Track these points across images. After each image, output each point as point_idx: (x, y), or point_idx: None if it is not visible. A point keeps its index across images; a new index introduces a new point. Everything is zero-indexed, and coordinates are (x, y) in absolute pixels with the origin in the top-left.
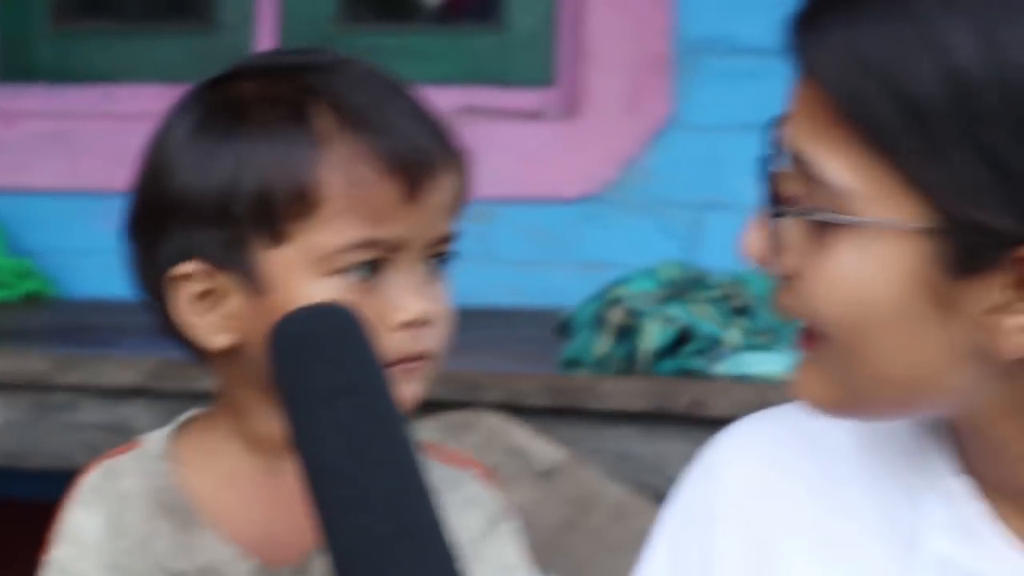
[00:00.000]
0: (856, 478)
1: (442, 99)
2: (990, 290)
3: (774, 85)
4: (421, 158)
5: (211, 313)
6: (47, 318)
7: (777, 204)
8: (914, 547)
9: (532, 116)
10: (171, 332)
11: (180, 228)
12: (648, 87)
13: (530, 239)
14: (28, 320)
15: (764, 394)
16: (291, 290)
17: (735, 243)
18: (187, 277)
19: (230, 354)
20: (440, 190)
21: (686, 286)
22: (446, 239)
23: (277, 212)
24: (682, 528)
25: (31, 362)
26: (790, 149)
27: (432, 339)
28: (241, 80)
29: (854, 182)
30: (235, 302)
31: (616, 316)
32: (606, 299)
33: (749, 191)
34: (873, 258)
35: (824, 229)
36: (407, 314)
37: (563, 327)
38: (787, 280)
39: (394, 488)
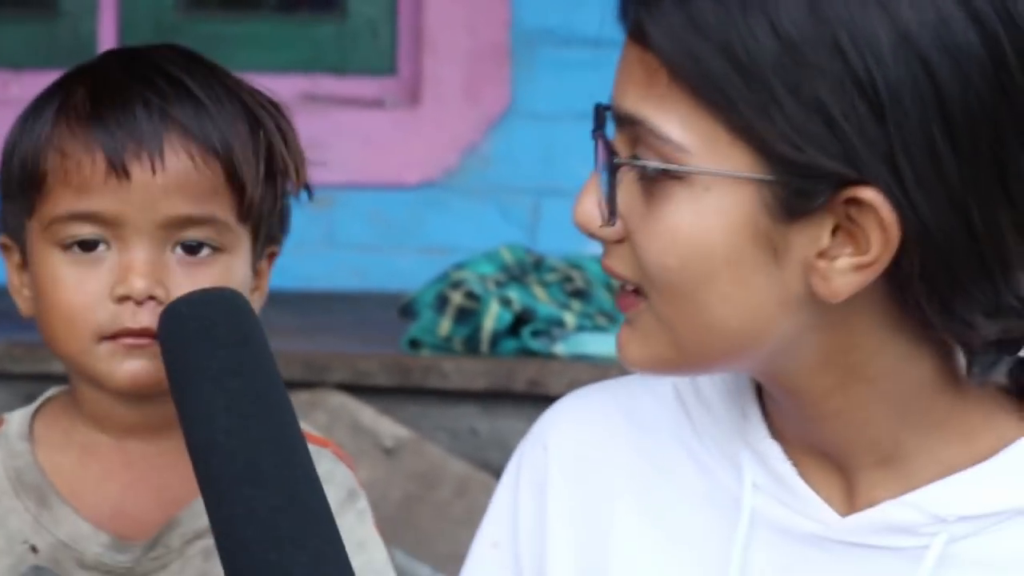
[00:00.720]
0: (676, 444)
1: (284, 87)
2: (818, 233)
3: (608, 74)
4: (129, 137)
5: (25, 283)
6: None
7: (609, 156)
8: (735, 507)
9: (373, 104)
10: None
11: (3, 202)
12: (487, 76)
13: (373, 224)
14: None
15: (601, 373)
16: (36, 261)
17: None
18: (7, 248)
19: None
20: (160, 171)
21: (525, 269)
22: (188, 221)
23: (26, 185)
24: (517, 494)
25: None
26: (621, 113)
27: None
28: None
29: (686, 137)
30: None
31: (457, 298)
32: (448, 282)
33: (585, 177)
34: (705, 209)
35: (656, 185)
36: (124, 287)
37: (406, 309)
38: (616, 244)
39: (280, 463)
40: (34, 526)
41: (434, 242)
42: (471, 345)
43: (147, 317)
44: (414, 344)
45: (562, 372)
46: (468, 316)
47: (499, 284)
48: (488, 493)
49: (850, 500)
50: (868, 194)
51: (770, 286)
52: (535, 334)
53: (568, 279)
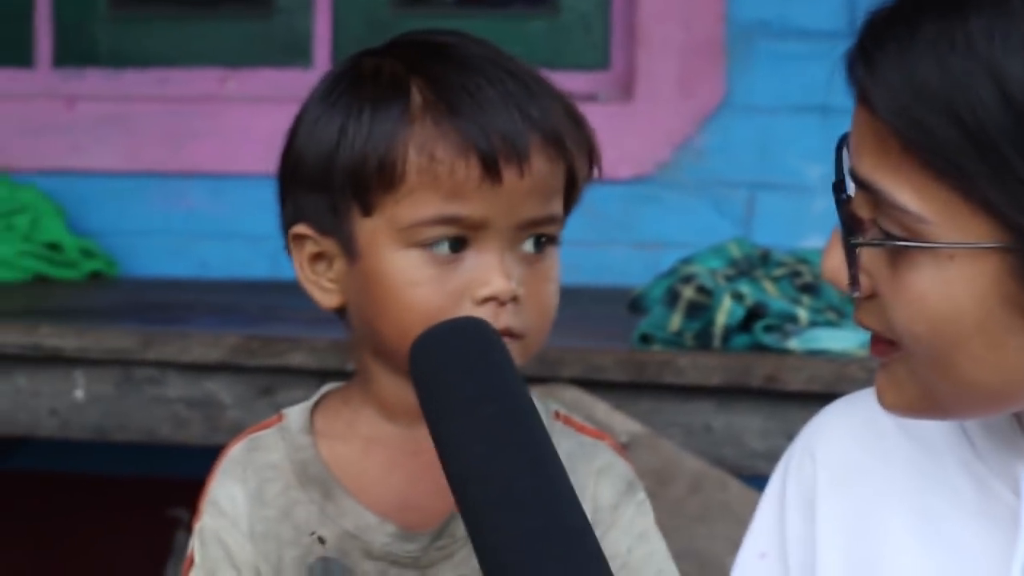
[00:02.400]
0: (951, 457)
1: None
2: None
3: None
4: (502, 141)
5: (325, 274)
6: (114, 296)
7: (851, 230)
8: (1012, 521)
9: (586, 99)
10: (302, 289)
11: (296, 191)
12: (701, 70)
13: (586, 219)
14: (97, 298)
15: (837, 369)
16: (378, 258)
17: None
18: (302, 239)
19: (346, 316)
20: (527, 174)
21: (753, 264)
22: (542, 221)
23: (367, 183)
24: (785, 507)
25: (115, 338)
26: (859, 177)
27: (518, 318)
28: (369, 56)
29: (923, 208)
30: (339, 265)
31: (689, 292)
32: (678, 276)
33: (801, 171)
34: (950, 278)
35: (899, 253)
36: (487, 289)
37: (636, 303)
38: (866, 300)
39: (538, 487)
40: (320, 517)
41: (648, 237)
42: (703, 340)
43: (507, 318)
44: (645, 339)
45: (799, 367)
46: (700, 311)
47: (729, 279)
48: (723, 490)
49: None
50: None
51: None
52: (768, 329)
53: (797, 273)
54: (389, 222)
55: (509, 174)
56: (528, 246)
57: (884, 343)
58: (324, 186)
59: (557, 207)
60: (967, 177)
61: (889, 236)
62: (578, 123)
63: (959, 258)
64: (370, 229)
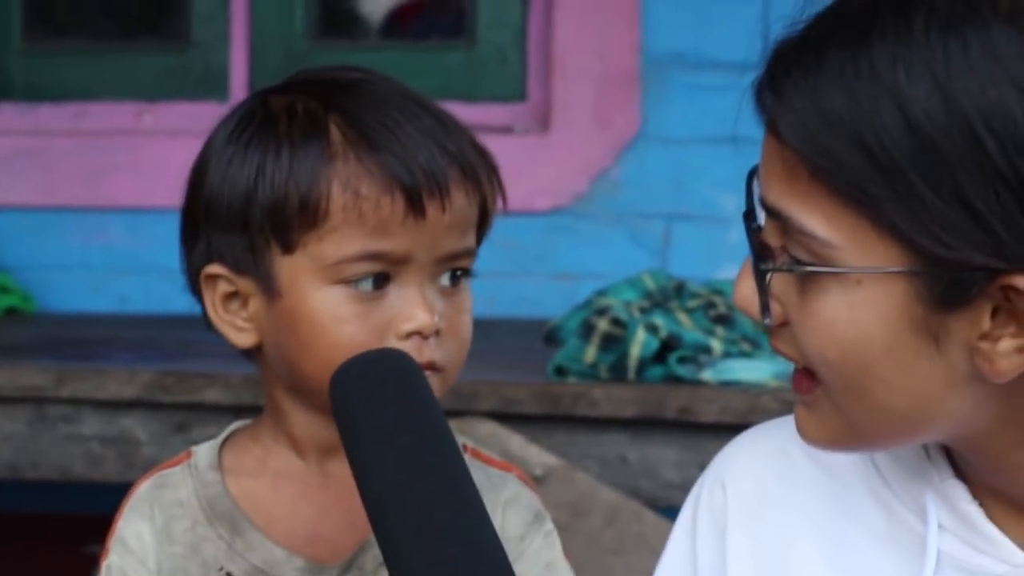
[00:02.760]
0: (859, 485)
1: None
2: (978, 318)
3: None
4: (425, 177)
5: (237, 314)
6: (30, 332)
7: (762, 257)
8: (920, 548)
9: (503, 131)
10: (214, 331)
11: (209, 231)
12: (617, 101)
13: (504, 251)
14: (12, 334)
15: (751, 400)
16: (301, 296)
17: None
18: (215, 278)
19: (259, 355)
20: (448, 208)
21: (667, 295)
22: (460, 255)
23: (288, 222)
24: (696, 537)
25: (29, 375)
26: (767, 205)
27: (440, 351)
28: (275, 94)
29: (831, 233)
30: (255, 304)
31: (603, 325)
32: (592, 309)
33: (716, 202)
34: (859, 303)
35: (808, 279)
36: (411, 324)
37: (551, 336)
38: (779, 327)
39: (455, 516)
40: (228, 553)
41: (565, 268)
42: (617, 372)
43: (430, 351)
44: (560, 371)
45: (713, 399)
46: (614, 343)
47: (643, 311)
48: (639, 521)
49: None
50: (1023, 282)
51: (934, 369)
52: (681, 360)
53: (711, 305)
54: (312, 260)
55: (432, 209)
56: (444, 280)
57: (805, 378)
58: (241, 226)
59: (472, 240)
60: (873, 202)
61: (798, 262)
62: (485, 156)
63: (867, 283)
64: (291, 267)
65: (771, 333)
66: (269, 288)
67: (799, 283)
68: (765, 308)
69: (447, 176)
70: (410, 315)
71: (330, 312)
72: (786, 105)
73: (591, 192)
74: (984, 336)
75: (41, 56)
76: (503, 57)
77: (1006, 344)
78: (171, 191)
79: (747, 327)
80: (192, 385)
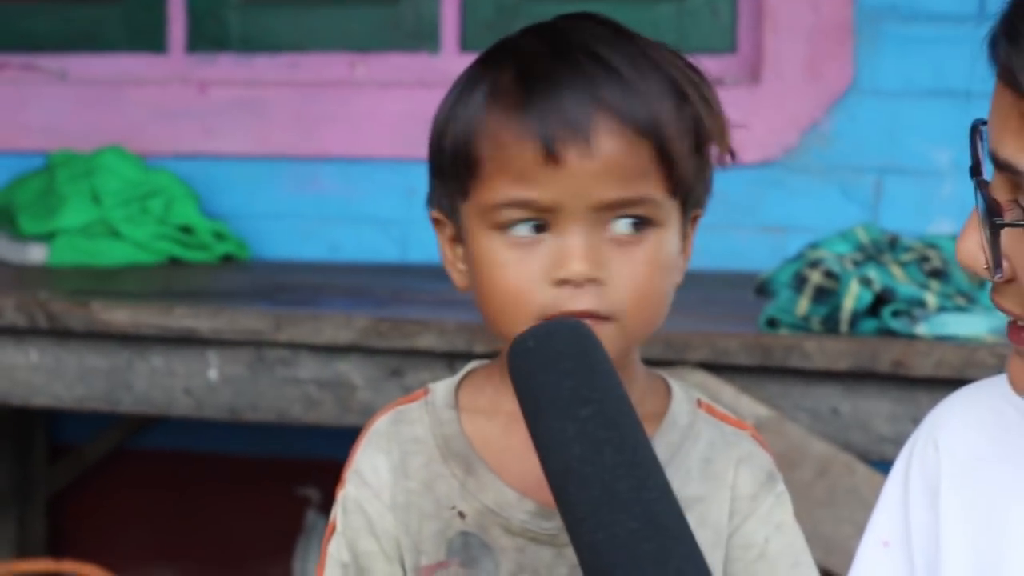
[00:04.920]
0: None
1: None
2: None
3: (953, 51)
4: (562, 125)
5: (460, 256)
6: (246, 279)
7: (991, 212)
8: None
9: (714, 83)
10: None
11: (432, 178)
12: (829, 53)
13: (712, 203)
14: (229, 280)
15: (966, 354)
16: (472, 241)
17: (917, 206)
18: (440, 222)
19: None
20: (593, 156)
21: (881, 249)
22: (624, 203)
23: (461, 170)
24: (908, 496)
25: (249, 319)
26: (1000, 159)
27: (602, 300)
28: (496, 48)
29: None
30: (462, 248)
31: (816, 277)
32: (805, 261)
33: (929, 155)
34: None
35: None
36: (564, 271)
37: (762, 288)
38: (1004, 283)
39: (636, 487)
40: (461, 492)
41: (774, 221)
42: (829, 325)
43: (587, 300)
44: (772, 323)
45: (927, 353)
46: (827, 296)
47: (856, 264)
48: (850, 475)
49: None
50: None
51: None
52: (895, 314)
53: (925, 259)
54: (476, 206)
55: (572, 156)
56: (620, 227)
57: (1022, 329)
58: (440, 173)
59: (644, 188)
60: None
61: None
62: (685, 102)
63: None
64: (467, 213)
65: (994, 289)
66: (460, 233)
67: None
68: (997, 264)
69: (591, 124)
70: (561, 262)
71: (490, 256)
72: (1022, 52)
73: (802, 145)
74: None
75: (256, 8)
76: (714, 8)
77: None
78: (381, 141)
79: (962, 281)
80: (406, 331)
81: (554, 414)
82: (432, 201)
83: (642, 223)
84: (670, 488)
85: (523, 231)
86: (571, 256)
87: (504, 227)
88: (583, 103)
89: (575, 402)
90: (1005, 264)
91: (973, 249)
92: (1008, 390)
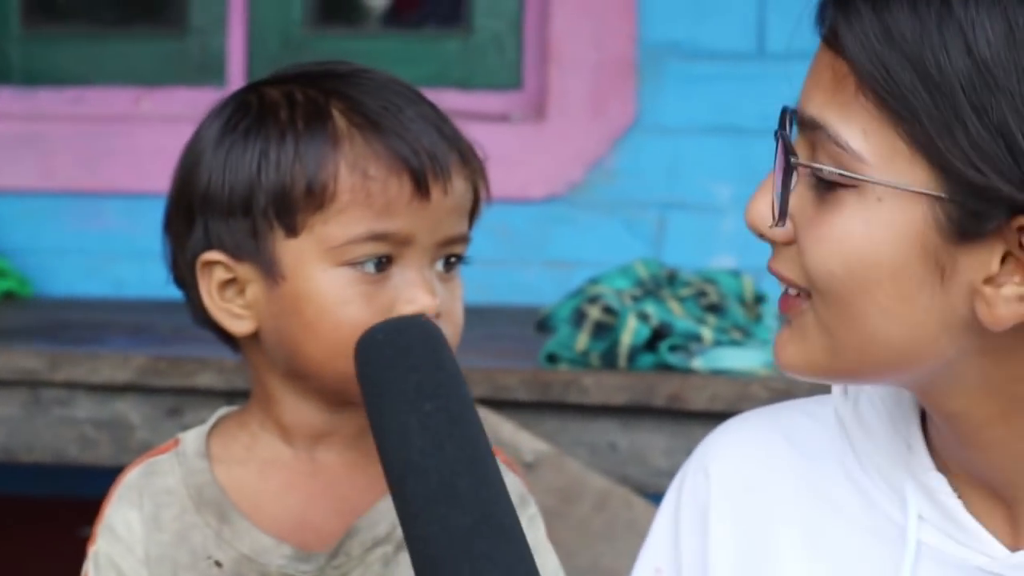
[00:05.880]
0: (839, 475)
1: None
2: (987, 258)
3: (734, 88)
4: (430, 160)
5: (235, 300)
6: (27, 316)
7: (786, 160)
8: (900, 538)
9: (499, 119)
10: (202, 320)
11: (206, 220)
12: (613, 90)
13: (498, 238)
14: (8, 318)
15: (740, 388)
16: (305, 279)
17: (699, 241)
18: (211, 265)
19: (256, 341)
20: (449, 192)
21: (659, 284)
22: (458, 239)
23: (293, 205)
24: (679, 522)
25: (23, 358)
26: (805, 116)
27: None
28: (268, 86)
29: (866, 147)
30: (254, 290)
31: (595, 313)
32: (584, 296)
33: (710, 191)
34: (877, 219)
35: (829, 191)
36: (413, 306)
37: (543, 323)
38: (784, 246)
39: (474, 483)
40: (216, 541)
41: (560, 256)
42: (608, 360)
43: None
44: (551, 359)
45: (702, 387)
46: (606, 331)
47: (635, 299)
48: (629, 508)
49: (1016, 533)
50: None
51: (933, 305)
52: (672, 349)
53: (702, 293)
54: (317, 242)
55: (436, 191)
56: (439, 265)
57: (793, 299)
58: (243, 211)
59: (467, 226)
60: (916, 119)
61: (822, 173)
62: (470, 145)
63: (888, 201)
64: (295, 250)
65: (774, 255)
66: (271, 272)
67: (818, 196)
68: (783, 214)
69: (449, 160)
70: (412, 297)
71: (335, 294)
72: (852, 17)
73: (586, 181)
74: (989, 280)
75: (39, 41)
76: (499, 45)
77: (1009, 290)
78: (168, 177)
79: (738, 316)
80: (185, 370)
81: (398, 407)
82: (200, 244)
83: (457, 260)
84: (506, 489)
85: (371, 267)
86: (421, 290)
87: (352, 263)
88: (436, 139)
89: (420, 396)
90: (789, 224)
91: (763, 209)
92: (779, 419)
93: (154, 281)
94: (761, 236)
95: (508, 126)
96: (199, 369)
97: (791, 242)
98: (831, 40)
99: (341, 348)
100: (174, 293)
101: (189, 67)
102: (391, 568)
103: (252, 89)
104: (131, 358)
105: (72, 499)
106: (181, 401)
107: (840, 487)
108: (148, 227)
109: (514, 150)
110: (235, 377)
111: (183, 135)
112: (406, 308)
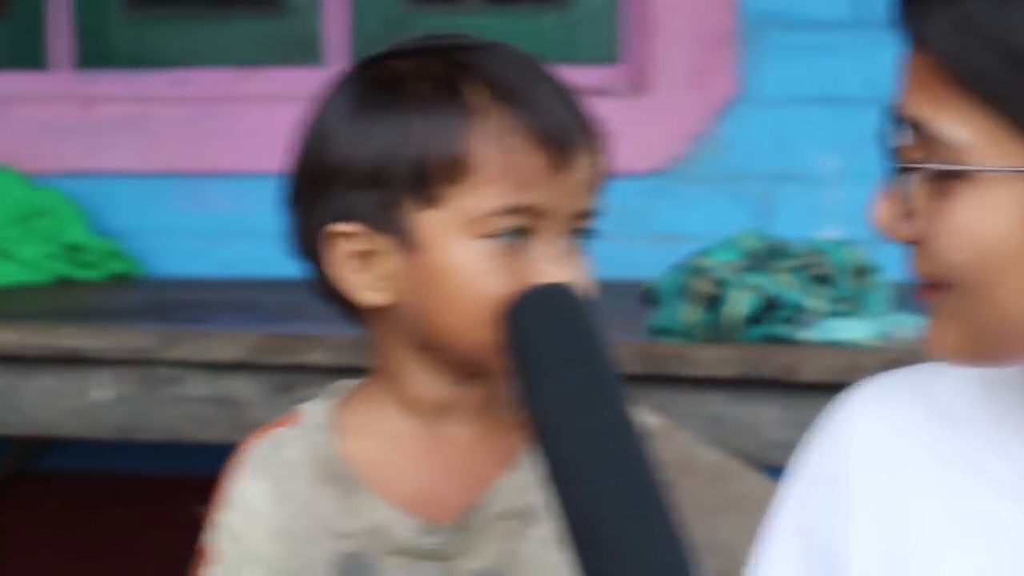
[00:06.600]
0: (979, 436)
1: None
2: None
3: (838, 57)
4: (566, 133)
5: (369, 272)
6: (137, 296)
7: (903, 171)
8: None
9: (599, 93)
10: (328, 293)
11: (339, 192)
12: (714, 62)
13: (603, 213)
14: (120, 299)
15: (851, 359)
16: (442, 251)
17: (805, 213)
18: (344, 236)
19: (385, 314)
20: (582, 166)
21: (767, 256)
22: (589, 213)
23: (432, 177)
24: (810, 492)
25: (136, 338)
26: (907, 117)
27: None
28: (394, 60)
29: (969, 136)
30: (389, 262)
31: (702, 286)
32: (691, 269)
33: (816, 162)
34: (993, 204)
35: (945, 184)
36: (548, 279)
37: (648, 296)
38: (917, 245)
39: (619, 446)
40: (342, 514)
41: (664, 230)
42: (716, 333)
43: None
44: (659, 332)
45: (814, 358)
46: (713, 303)
47: (743, 271)
48: (743, 481)
49: None
50: None
51: None
52: (782, 321)
53: (811, 264)
54: (456, 214)
55: (571, 164)
56: (572, 238)
57: (930, 289)
58: (380, 183)
59: (595, 200)
60: (1010, 103)
61: (936, 165)
62: (596, 119)
63: (1000, 184)
64: (433, 222)
65: (911, 254)
66: (407, 244)
67: (935, 191)
68: (906, 216)
69: (581, 133)
70: (547, 270)
71: (473, 266)
72: (926, 12)
73: (690, 154)
74: None
75: (142, 24)
76: (598, 19)
77: None
78: (271, 156)
79: (848, 287)
80: (296, 347)
81: (544, 372)
82: (330, 216)
83: (587, 233)
84: (648, 450)
85: (508, 239)
86: (556, 263)
87: (490, 235)
88: (568, 112)
89: (566, 361)
90: (916, 223)
91: (886, 212)
92: (919, 380)
93: (262, 260)
94: (891, 238)
95: (608, 100)
96: (309, 346)
97: (920, 239)
98: (913, 36)
99: (478, 320)
100: (282, 271)
101: (288, 47)
102: (518, 542)
103: (376, 63)
104: (242, 336)
105: (186, 477)
106: (292, 378)
107: (983, 449)
108: (254, 207)
109: (615, 124)
110: (345, 353)
111: (285, 115)
112: (541, 281)
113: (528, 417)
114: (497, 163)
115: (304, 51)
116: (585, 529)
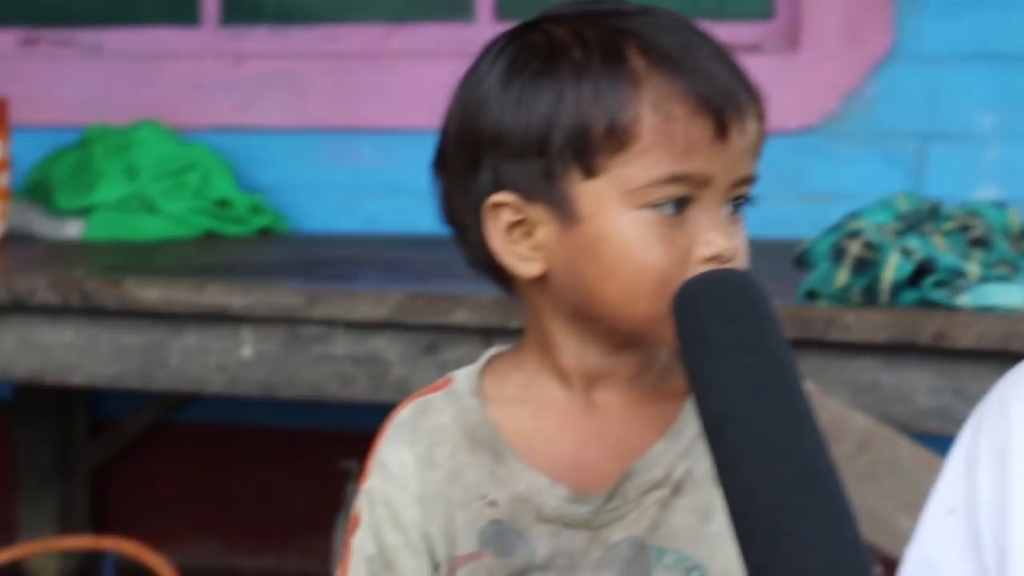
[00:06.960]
0: None
1: None
2: None
3: (996, 14)
4: (728, 99)
5: (522, 242)
6: (283, 252)
7: None
8: None
9: (751, 49)
10: (480, 262)
11: (495, 161)
12: (868, 18)
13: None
14: (265, 255)
15: (1009, 325)
16: (602, 221)
17: (960, 173)
18: (501, 207)
19: (539, 284)
20: (744, 133)
21: (921, 218)
22: (749, 180)
23: (592, 146)
24: (975, 463)
25: (282, 296)
26: None
27: None
28: (549, 25)
29: None
30: (545, 232)
31: (855, 248)
32: (844, 231)
33: (972, 121)
34: None
35: None
36: (711, 248)
37: (801, 259)
38: None
39: (791, 436)
40: (491, 480)
41: (815, 189)
42: (869, 296)
43: None
44: (811, 295)
45: (969, 324)
46: (867, 267)
47: (897, 233)
48: (893, 448)
49: None
50: None
51: None
52: (937, 285)
53: (967, 227)
54: (617, 184)
55: (734, 132)
56: (730, 206)
57: None
58: (538, 152)
59: (756, 166)
60: None
61: None
62: (756, 83)
63: None
64: (593, 192)
65: None
66: (566, 214)
67: None
68: None
69: (744, 100)
70: (710, 239)
71: (636, 236)
72: None
73: (842, 111)
74: None
75: None
76: None
77: None
78: (419, 112)
79: (1005, 250)
80: (441, 306)
81: (717, 359)
82: (489, 187)
83: (744, 202)
84: (823, 439)
85: (669, 209)
86: (718, 233)
87: (652, 205)
88: (736, 82)
89: (740, 349)
90: None
91: None
92: None
93: (407, 217)
94: None
95: (761, 57)
96: (455, 306)
97: None
98: None
99: (640, 291)
100: (428, 229)
101: (438, 3)
102: (667, 512)
103: (531, 28)
104: (387, 295)
105: (331, 431)
106: (437, 338)
107: None
108: (401, 163)
109: (767, 81)
110: (490, 313)
111: (433, 72)
112: (704, 251)
113: (698, 404)
114: (659, 131)
115: (454, 7)
116: (754, 522)
